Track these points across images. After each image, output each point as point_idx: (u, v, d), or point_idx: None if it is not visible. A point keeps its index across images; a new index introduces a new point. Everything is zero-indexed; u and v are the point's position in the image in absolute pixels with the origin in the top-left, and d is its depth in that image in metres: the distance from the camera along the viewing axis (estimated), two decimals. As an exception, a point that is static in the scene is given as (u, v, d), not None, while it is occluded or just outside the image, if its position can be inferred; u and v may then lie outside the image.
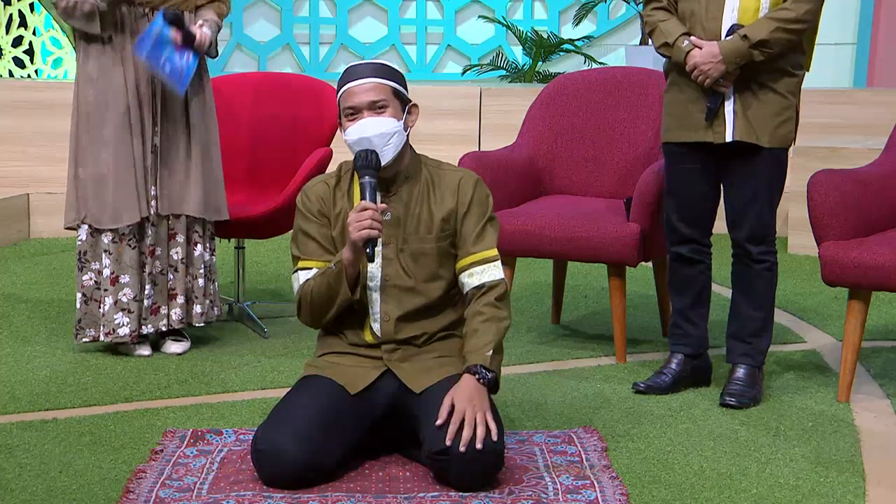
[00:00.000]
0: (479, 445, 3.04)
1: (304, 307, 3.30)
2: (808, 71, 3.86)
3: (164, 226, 4.29)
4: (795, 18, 3.64)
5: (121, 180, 4.20)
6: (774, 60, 3.69)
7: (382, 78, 3.25)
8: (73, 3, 4.09)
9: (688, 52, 3.73)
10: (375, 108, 3.22)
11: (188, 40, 4.14)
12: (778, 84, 3.72)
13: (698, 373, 4.02)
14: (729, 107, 3.74)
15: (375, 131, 3.20)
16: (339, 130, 3.32)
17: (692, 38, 3.74)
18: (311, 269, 3.30)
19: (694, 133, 3.81)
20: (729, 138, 3.74)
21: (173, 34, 4.11)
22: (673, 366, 3.98)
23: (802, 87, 3.81)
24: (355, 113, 3.24)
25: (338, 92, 3.29)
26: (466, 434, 3.04)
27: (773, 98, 3.73)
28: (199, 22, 4.22)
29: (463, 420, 3.06)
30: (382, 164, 3.21)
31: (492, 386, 3.17)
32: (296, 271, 3.33)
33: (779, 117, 3.73)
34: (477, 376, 3.14)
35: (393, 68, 3.30)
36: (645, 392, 3.93)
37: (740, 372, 3.88)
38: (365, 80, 3.24)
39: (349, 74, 3.27)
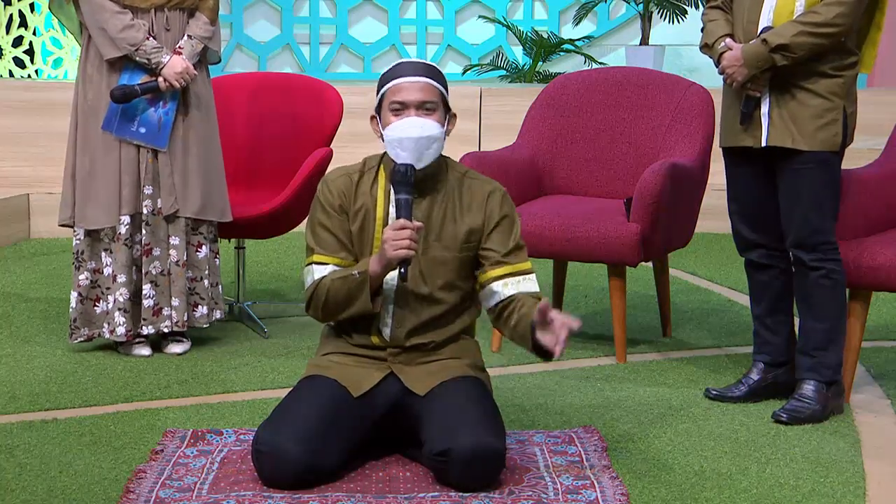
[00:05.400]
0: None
1: (315, 304, 3.27)
2: (867, 71, 3.76)
3: (163, 226, 4.28)
4: (824, 22, 3.54)
5: (105, 181, 4.21)
6: (810, 63, 3.60)
7: (435, 80, 3.23)
8: (135, 49, 4.14)
9: (720, 55, 3.69)
10: (424, 108, 3.19)
11: (152, 91, 4.17)
12: (817, 86, 3.61)
13: (780, 386, 3.86)
14: (764, 110, 3.66)
15: (422, 133, 3.17)
16: (372, 123, 3.28)
17: (727, 40, 3.68)
18: (326, 264, 3.26)
19: (735, 137, 3.74)
20: (763, 143, 3.67)
21: (138, 96, 4.17)
22: (752, 376, 3.86)
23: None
24: (402, 109, 3.19)
25: (382, 84, 3.24)
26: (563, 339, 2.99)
27: (813, 100, 3.62)
28: (179, 44, 4.21)
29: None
30: (419, 167, 3.18)
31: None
32: (310, 264, 3.30)
33: (820, 119, 3.62)
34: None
35: (442, 74, 3.28)
36: (714, 399, 3.86)
37: (805, 388, 3.73)
38: (419, 78, 3.21)
39: (401, 69, 3.24)
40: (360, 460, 3.25)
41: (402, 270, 3.11)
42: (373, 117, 3.28)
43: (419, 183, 3.25)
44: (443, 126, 3.22)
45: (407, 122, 3.17)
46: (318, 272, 3.27)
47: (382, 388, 3.27)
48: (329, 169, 4.22)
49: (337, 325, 3.38)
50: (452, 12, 9.06)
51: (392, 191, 3.24)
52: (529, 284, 3.25)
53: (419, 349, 3.30)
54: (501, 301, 3.25)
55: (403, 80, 3.21)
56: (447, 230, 3.27)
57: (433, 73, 3.24)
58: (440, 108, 3.22)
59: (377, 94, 3.26)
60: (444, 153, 3.37)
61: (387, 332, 3.28)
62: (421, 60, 3.29)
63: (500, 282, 3.25)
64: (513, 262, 3.27)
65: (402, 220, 3.11)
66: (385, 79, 3.25)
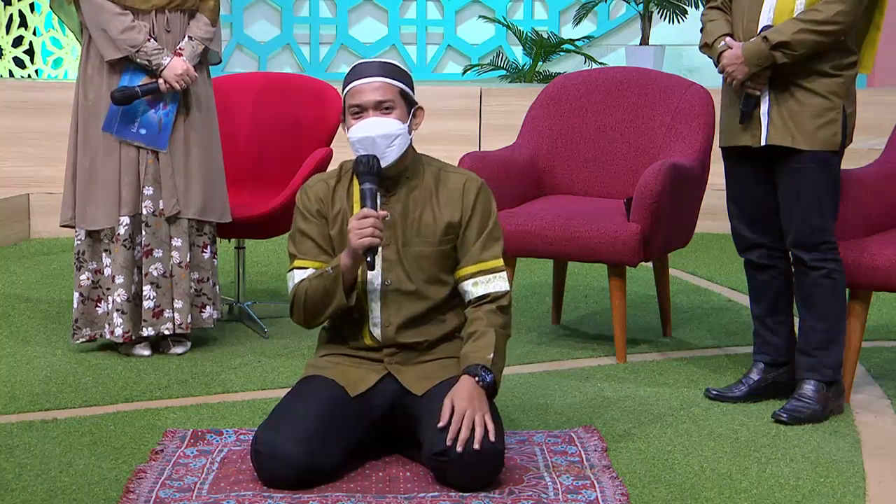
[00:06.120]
0: (476, 446, 3.03)
1: (296, 307, 3.28)
2: (867, 72, 3.77)
3: (164, 228, 4.28)
4: (824, 20, 3.54)
5: (105, 181, 4.21)
6: (810, 62, 3.60)
7: (391, 78, 3.22)
8: (136, 50, 4.14)
9: (720, 53, 3.69)
10: (382, 108, 3.20)
11: (153, 93, 4.17)
12: (816, 85, 3.62)
13: (780, 386, 3.86)
14: (764, 109, 3.67)
15: (380, 132, 3.18)
16: (342, 128, 3.30)
17: (727, 39, 3.68)
18: (306, 268, 3.28)
19: (734, 137, 3.74)
20: (763, 142, 3.68)
21: (138, 97, 4.17)
22: (752, 376, 3.86)
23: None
24: (361, 111, 3.21)
25: (344, 88, 3.26)
26: (464, 435, 3.04)
27: (813, 100, 3.62)
28: (180, 45, 4.21)
29: (462, 421, 3.06)
30: (384, 165, 3.20)
31: (490, 389, 3.15)
32: (291, 270, 3.31)
33: (819, 119, 3.62)
34: (476, 378, 3.13)
35: (402, 69, 3.27)
36: (714, 399, 3.87)
37: (805, 388, 3.72)
38: (373, 78, 3.21)
39: (357, 72, 3.24)
40: (359, 460, 3.25)
41: (369, 259, 3.12)
42: (342, 121, 3.29)
43: (394, 179, 3.26)
44: (405, 122, 3.22)
45: (364, 124, 3.19)
46: (299, 276, 3.28)
47: (380, 389, 3.27)
48: (328, 169, 4.22)
49: (332, 327, 3.39)
50: (452, 12, 9.06)
51: None
52: (499, 283, 3.27)
53: (414, 348, 3.30)
54: (469, 301, 3.28)
55: (359, 82, 3.22)
56: (426, 225, 3.27)
57: (390, 70, 3.24)
58: (400, 104, 3.22)
59: (342, 98, 3.28)
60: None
61: (377, 331, 3.29)
62: (378, 60, 3.29)
63: (471, 281, 3.27)
64: (485, 258, 3.27)
65: (365, 209, 3.13)
66: (344, 83, 3.27)
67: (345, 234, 3.24)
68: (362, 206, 3.16)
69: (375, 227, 3.11)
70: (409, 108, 3.25)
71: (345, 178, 3.33)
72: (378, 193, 3.18)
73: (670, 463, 3.35)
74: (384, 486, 3.13)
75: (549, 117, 4.76)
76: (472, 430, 3.05)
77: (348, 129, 3.23)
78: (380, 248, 3.19)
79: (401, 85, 3.23)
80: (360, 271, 3.23)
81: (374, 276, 3.26)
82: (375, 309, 3.28)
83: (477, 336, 3.21)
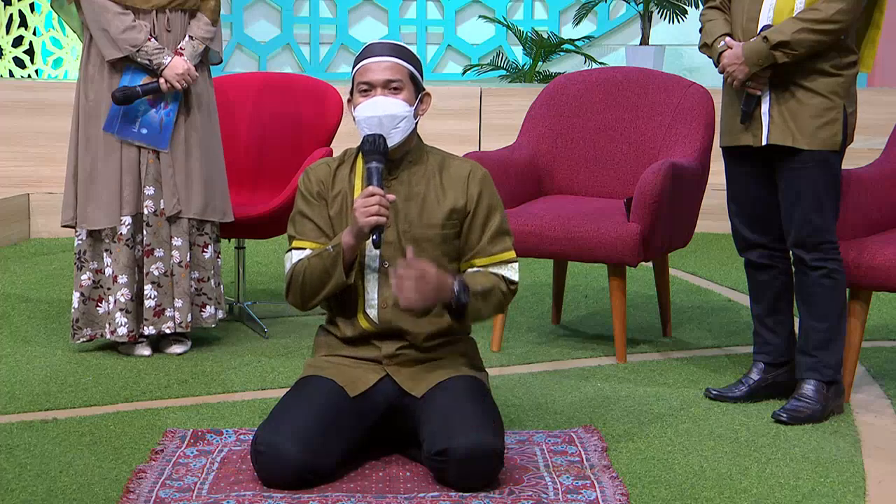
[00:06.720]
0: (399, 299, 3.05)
1: (293, 287, 3.27)
2: (867, 70, 3.76)
3: (165, 227, 4.28)
4: (824, 19, 3.54)
5: (107, 181, 4.21)
6: (810, 61, 3.60)
7: (402, 59, 3.24)
8: (137, 49, 4.14)
9: (720, 53, 3.69)
10: (390, 87, 3.21)
11: (154, 92, 4.18)
12: (816, 84, 3.62)
13: (780, 386, 3.86)
14: (764, 108, 3.67)
15: (386, 111, 3.18)
16: (347, 107, 3.29)
17: (727, 39, 3.68)
18: (304, 249, 3.28)
19: (735, 137, 3.74)
20: (764, 142, 3.68)
21: (139, 97, 4.17)
22: (753, 375, 3.86)
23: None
24: (369, 89, 3.21)
25: (354, 66, 3.27)
26: (406, 291, 3.05)
27: (814, 99, 3.62)
28: (181, 45, 4.21)
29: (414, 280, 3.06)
30: (389, 147, 3.20)
31: (458, 306, 3.14)
32: (289, 251, 3.31)
33: (820, 118, 3.62)
34: (455, 288, 3.12)
35: (412, 53, 3.29)
36: (714, 399, 3.87)
37: (805, 387, 3.72)
38: (385, 58, 3.22)
39: (369, 50, 3.25)
40: (359, 460, 3.25)
41: (375, 237, 3.12)
42: (349, 100, 3.29)
43: (396, 161, 3.27)
44: (412, 105, 3.23)
45: (372, 102, 3.20)
46: (297, 256, 3.28)
47: (380, 388, 3.26)
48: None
49: (328, 321, 3.38)
50: (452, 12, 9.06)
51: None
52: (510, 273, 3.29)
53: (410, 343, 3.28)
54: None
55: (370, 60, 3.23)
56: (429, 209, 3.27)
57: (401, 52, 3.25)
58: (409, 87, 3.23)
59: (351, 78, 3.29)
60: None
61: (373, 312, 3.28)
62: (389, 41, 3.30)
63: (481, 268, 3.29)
64: (496, 251, 3.29)
65: (371, 188, 3.13)
66: (355, 62, 3.28)
67: (344, 215, 3.25)
68: (367, 184, 3.16)
69: (381, 205, 3.11)
70: (417, 92, 3.26)
71: (348, 161, 3.34)
72: (383, 173, 3.19)
73: (670, 463, 3.35)
74: (384, 486, 3.13)
75: (549, 117, 4.77)
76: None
77: (355, 107, 3.24)
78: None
79: (411, 67, 3.25)
80: (358, 253, 3.24)
81: (373, 257, 3.25)
82: (372, 290, 3.27)
83: (476, 274, 3.23)
